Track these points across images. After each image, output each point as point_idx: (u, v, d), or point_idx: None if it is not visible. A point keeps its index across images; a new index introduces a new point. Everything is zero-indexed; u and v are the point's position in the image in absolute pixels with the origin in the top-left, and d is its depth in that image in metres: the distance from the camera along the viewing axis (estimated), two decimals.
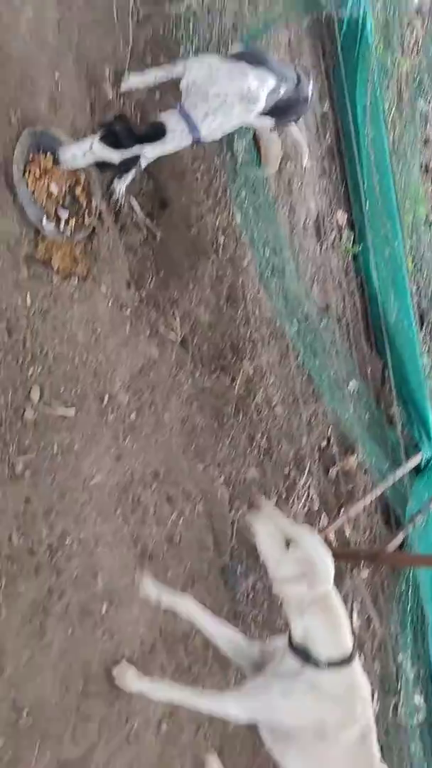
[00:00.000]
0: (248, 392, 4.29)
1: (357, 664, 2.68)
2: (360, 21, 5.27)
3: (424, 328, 7.39)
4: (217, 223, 4.06)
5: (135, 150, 2.83)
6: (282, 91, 3.33)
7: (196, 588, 3.59)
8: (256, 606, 3.93)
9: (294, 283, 4.86)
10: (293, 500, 4.51)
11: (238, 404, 4.16)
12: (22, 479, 2.63)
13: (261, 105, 3.18)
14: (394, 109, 6.45)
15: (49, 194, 2.83)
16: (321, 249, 5.47)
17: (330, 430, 5.26)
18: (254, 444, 4.29)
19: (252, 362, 4.34)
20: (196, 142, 3.06)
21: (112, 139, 2.78)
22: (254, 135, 4.30)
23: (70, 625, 2.78)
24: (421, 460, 6.09)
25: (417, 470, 6.21)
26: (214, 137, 3.17)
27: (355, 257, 6.03)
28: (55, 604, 2.71)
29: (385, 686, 5.75)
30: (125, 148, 2.80)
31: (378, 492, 5.32)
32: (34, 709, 2.57)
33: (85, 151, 2.76)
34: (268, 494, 4.33)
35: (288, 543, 2.59)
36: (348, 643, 2.64)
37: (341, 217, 5.69)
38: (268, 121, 3.62)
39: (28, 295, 2.71)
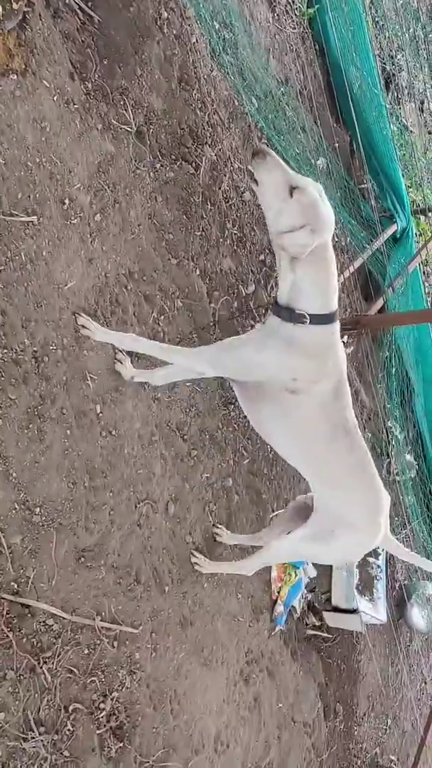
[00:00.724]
0: (214, 180, 4.16)
1: (337, 326, 2.72)
2: None
3: (390, 92, 7.09)
4: None
5: None
6: None
7: (193, 387, 3.72)
8: None
9: (249, 57, 4.57)
10: (271, 285, 4.52)
11: (205, 194, 4.05)
12: None
13: None
14: None
15: None
16: (274, 16, 5.09)
17: None
18: (226, 233, 4.24)
19: (214, 148, 4.17)
20: None
21: None
22: None
23: (68, 428, 2.89)
24: (397, 229, 6.07)
25: (394, 240, 6.22)
26: None
27: (311, 22, 5.63)
28: (49, 409, 2.80)
29: (377, 450, 6.13)
30: None
31: (356, 265, 5.35)
32: (45, 505, 2.74)
33: None
34: (245, 283, 4.34)
35: (292, 192, 2.53)
36: (334, 302, 2.68)
37: None
38: None
39: None
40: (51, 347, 2.85)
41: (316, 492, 3.09)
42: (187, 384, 3.68)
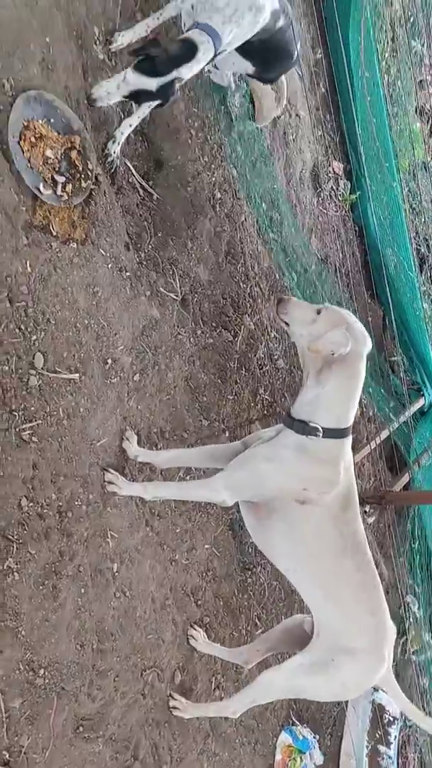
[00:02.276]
0: (250, 347, 4.31)
1: (349, 440, 2.75)
2: None
3: (423, 273, 7.38)
4: (213, 180, 4.02)
5: (173, 74, 2.78)
6: (281, 21, 3.29)
7: (212, 551, 3.70)
8: None
9: (292, 235, 4.84)
10: None
11: (240, 360, 4.19)
12: (29, 445, 2.66)
13: (266, 15, 3.14)
14: (387, 51, 6.34)
15: (45, 160, 2.80)
16: (318, 200, 5.43)
17: None
18: (258, 398, 4.33)
19: (253, 317, 4.35)
20: (216, 55, 2.97)
21: (147, 66, 2.74)
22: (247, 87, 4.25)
23: (83, 586, 2.85)
24: (425, 403, 6.16)
25: (421, 414, 6.29)
26: (231, 47, 3.14)
27: (352, 206, 5.98)
28: (66, 565, 2.78)
29: (394, 626, 5.90)
30: (162, 74, 2.76)
31: (382, 437, 5.39)
32: (50, 668, 2.65)
33: (119, 83, 2.72)
34: None
35: (318, 312, 2.77)
36: (351, 418, 2.72)
37: (337, 166, 5.64)
38: (250, 67, 3.60)
39: (28, 263, 2.71)
40: (76, 503, 2.86)
41: (317, 613, 2.91)
42: (206, 547, 3.65)
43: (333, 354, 2.63)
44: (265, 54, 3.48)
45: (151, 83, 2.76)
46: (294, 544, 2.86)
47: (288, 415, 2.80)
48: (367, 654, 2.83)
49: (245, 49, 3.39)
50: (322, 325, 2.70)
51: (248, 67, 3.60)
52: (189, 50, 2.86)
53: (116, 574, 3.04)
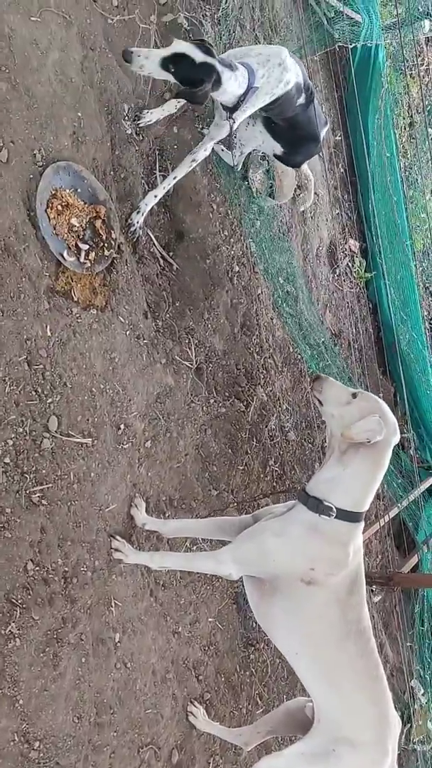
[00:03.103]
0: (262, 418, 4.32)
1: (361, 525, 2.71)
2: (372, 51, 5.37)
3: None
4: (232, 253, 4.11)
5: (217, 64, 2.83)
6: (303, 98, 3.41)
7: (215, 624, 3.64)
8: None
9: (307, 310, 4.90)
10: None
11: (252, 430, 4.19)
12: (38, 508, 2.65)
13: (290, 78, 3.22)
14: (405, 136, 6.54)
15: (70, 228, 2.88)
16: (333, 276, 5.52)
17: None
18: (267, 470, 4.32)
19: (265, 388, 4.37)
20: (247, 92, 3.04)
21: (200, 45, 2.79)
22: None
23: (84, 655, 2.79)
24: None
25: (430, 493, 6.24)
26: (259, 100, 3.20)
27: (367, 283, 6.08)
28: (69, 633, 2.73)
29: (398, 713, 5.71)
30: (211, 56, 2.81)
31: (390, 515, 5.34)
32: (45, 740, 2.58)
33: (166, 48, 2.74)
34: None
35: (354, 396, 2.74)
36: (367, 504, 2.69)
37: (353, 244, 5.75)
38: (278, 147, 3.72)
39: (48, 327, 2.75)
40: (82, 569, 2.83)
41: (317, 698, 2.78)
42: (210, 620, 3.59)
43: (369, 441, 2.62)
44: (292, 134, 3.61)
45: (199, 55, 2.78)
46: (296, 625, 2.78)
47: (303, 491, 2.77)
48: (369, 746, 2.68)
49: (274, 130, 3.52)
50: (355, 409, 2.70)
51: (276, 147, 3.72)
52: (230, 65, 2.95)
53: (118, 644, 2.98)
